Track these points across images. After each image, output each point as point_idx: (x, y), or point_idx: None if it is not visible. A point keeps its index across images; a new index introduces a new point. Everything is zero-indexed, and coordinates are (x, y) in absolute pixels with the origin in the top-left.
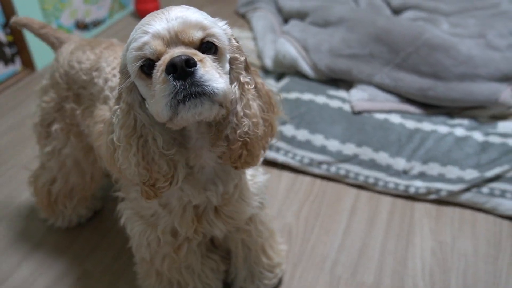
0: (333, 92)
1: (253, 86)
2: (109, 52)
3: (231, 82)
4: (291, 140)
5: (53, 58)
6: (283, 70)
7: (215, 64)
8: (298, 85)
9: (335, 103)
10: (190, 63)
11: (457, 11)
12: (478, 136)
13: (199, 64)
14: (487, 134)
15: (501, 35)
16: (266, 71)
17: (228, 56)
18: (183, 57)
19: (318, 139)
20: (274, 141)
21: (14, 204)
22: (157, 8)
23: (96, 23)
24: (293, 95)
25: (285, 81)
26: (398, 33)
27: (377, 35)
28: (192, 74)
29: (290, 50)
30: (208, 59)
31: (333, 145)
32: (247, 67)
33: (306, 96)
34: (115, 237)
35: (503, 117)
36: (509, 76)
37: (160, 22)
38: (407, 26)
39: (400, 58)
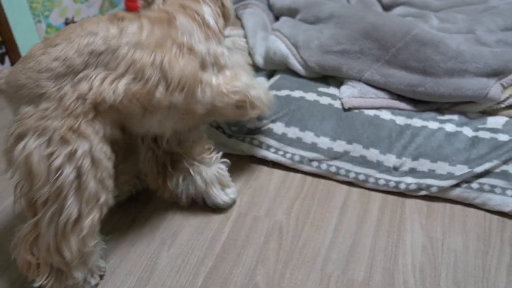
0: (323, 89)
1: None
2: None
3: None
4: (282, 138)
5: None
6: (274, 67)
7: None
8: (288, 82)
9: (325, 100)
10: None
11: (447, 6)
12: (468, 131)
13: None
14: (476, 129)
15: (490, 30)
16: (257, 69)
17: None
18: None
19: (309, 136)
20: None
21: None
22: None
23: None
24: (283, 93)
25: (275, 78)
26: (388, 29)
27: (367, 31)
28: None
29: (281, 46)
30: None
31: (324, 142)
32: None
33: (297, 93)
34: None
35: (492, 112)
36: (498, 71)
37: None
38: (396, 22)
39: (389, 54)
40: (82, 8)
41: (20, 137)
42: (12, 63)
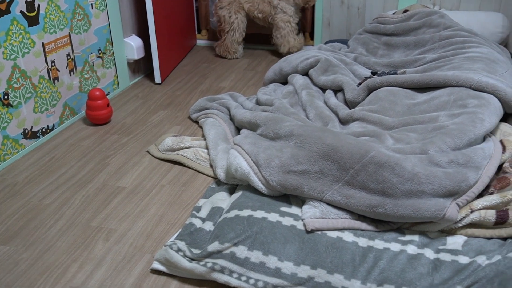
0: (285, 208)
1: None
2: None
3: None
4: (244, 262)
5: None
6: (236, 182)
7: None
8: (250, 201)
9: (287, 221)
10: None
11: (400, 124)
12: (429, 253)
13: None
14: (437, 251)
15: (441, 150)
16: (218, 182)
17: None
18: None
19: (272, 261)
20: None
21: None
22: (109, 114)
23: (45, 131)
24: (245, 213)
25: (237, 195)
26: (345, 150)
27: (325, 152)
28: None
29: (242, 164)
30: None
31: (288, 267)
32: None
33: (259, 214)
34: None
35: (451, 231)
36: (453, 192)
37: None
38: (353, 143)
39: (349, 175)
40: (41, 118)
41: None
42: None
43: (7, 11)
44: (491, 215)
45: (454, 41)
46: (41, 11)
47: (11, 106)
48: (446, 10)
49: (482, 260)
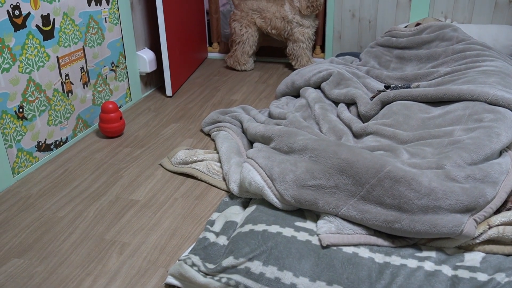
0: (300, 223)
1: None
2: None
3: None
4: (259, 278)
5: None
6: (249, 195)
7: None
8: (264, 215)
9: (303, 236)
10: None
11: (415, 139)
12: (447, 270)
13: None
14: (455, 267)
15: (458, 165)
16: (232, 195)
17: None
18: None
19: (288, 277)
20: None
21: None
22: (121, 127)
23: (58, 144)
24: (260, 227)
25: (251, 209)
26: (361, 165)
27: (341, 167)
28: None
29: (256, 178)
30: None
31: (303, 283)
32: None
33: (274, 229)
34: None
35: (468, 248)
36: (470, 208)
37: None
38: (369, 158)
39: (364, 190)
40: (55, 130)
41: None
42: None
43: (23, 25)
44: (509, 231)
45: (468, 55)
46: (56, 25)
47: (26, 119)
48: (458, 23)
49: (501, 277)
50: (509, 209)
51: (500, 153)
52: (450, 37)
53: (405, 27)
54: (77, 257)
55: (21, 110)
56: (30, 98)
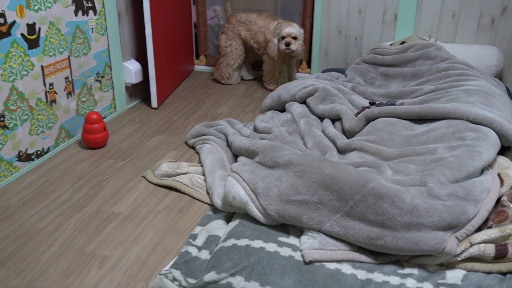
0: (284, 238)
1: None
2: None
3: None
4: None
5: None
6: (233, 210)
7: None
8: (248, 230)
9: (286, 252)
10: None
11: (399, 155)
12: (428, 287)
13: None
14: (437, 285)
15: (440, 182)
16: (215, 209)
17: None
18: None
19: None
20: None
21: None
22: (105, 137)
23: (40, 154)
24: (243, 242)
25: (235, 223)
26: (345, 181)
27: (325, 182)
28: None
29: (240, 192)
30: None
31: None
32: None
33: (257, 243)
34: None
35: (450, 265)
36: (452, 225)
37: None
38: (353, 174)
39: (348, 206)
40: (37, 140)
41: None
42: None
43: (7, 34)
44: (490, 249)
45: (451, 73)
46: (42, 34)
47: (7, 128)
48: (442, 42)
49: None
50: (490, 227)
51: (482, 171)
52: (434, 55)
53: (390, 45)
54: (55, 270)
55: (2, 119)
56: (12, 107)
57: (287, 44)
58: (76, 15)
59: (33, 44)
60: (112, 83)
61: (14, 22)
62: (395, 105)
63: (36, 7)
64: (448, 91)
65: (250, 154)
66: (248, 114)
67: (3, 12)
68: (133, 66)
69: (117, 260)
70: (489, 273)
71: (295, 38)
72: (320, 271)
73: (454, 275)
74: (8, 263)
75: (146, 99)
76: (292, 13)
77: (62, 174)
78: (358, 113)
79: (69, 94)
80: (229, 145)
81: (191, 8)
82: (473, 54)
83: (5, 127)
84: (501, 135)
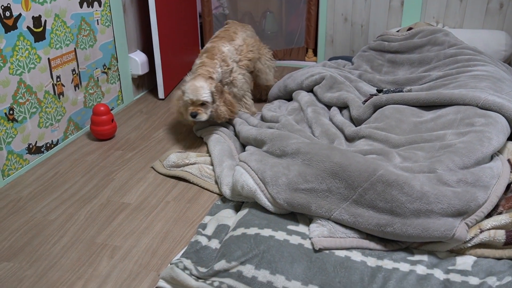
0: (293, 227)
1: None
2: None
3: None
4: (252, 282)
5: None
6: (241, 199)
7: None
8: (257, 219)
9: (295, 240)
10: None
11: (407, 142)
12: (439, 274)
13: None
14: (447, 271)
15: (450, 169)
16: (224, 199)
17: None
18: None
19: (280, 281)
20: None
21: None
22: (113, 129)
23: (49, 146)
24: (252, 231)
25: (244, 212)
26: (353, 168)
27: (333, 170)
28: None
29: (249, 181)
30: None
31: (296, 286)
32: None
33: (266, 232)
34: None
35: (460, 251)
36: (462, 211)
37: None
38: (361, 162)
39: (357, 194)
40: (46, 132)
41: None
42: None
43: (14, 27)
44: (500, 235)
45: (459, 59)
46: (48, 27)
47: (16, 121)
48: (449, 28)
49: (492, 281)
50: (500, 213)
51: (492, 157)
52: (442, 41)
53: (397, 31)
54: (67, 260)
55: (11, 112)
56: (20, 100)
57: (193, 115)
58: (81, 7)
59: (39, 37)
60: (119, 74)
61: (20, 15)
62: (402, 92)
63: (41, 0)
64: (457, 77)
65: (258, 143)
66: (255, 104)
67: (8, 5)
68: (139, 57)
69: (128, 250)
70: (499, 259)
71: (203, 104)
72: (330, 259)
73: (464, 261)
74: (21, 254)
75: (153, 90)
76: (297, 1)
77: (71, 166)
78: (365, 101)
79: (76, 86)
80: (236, 134)
81: None
82: (481, 39)
83: (14, 120)
84: (510, 121)
